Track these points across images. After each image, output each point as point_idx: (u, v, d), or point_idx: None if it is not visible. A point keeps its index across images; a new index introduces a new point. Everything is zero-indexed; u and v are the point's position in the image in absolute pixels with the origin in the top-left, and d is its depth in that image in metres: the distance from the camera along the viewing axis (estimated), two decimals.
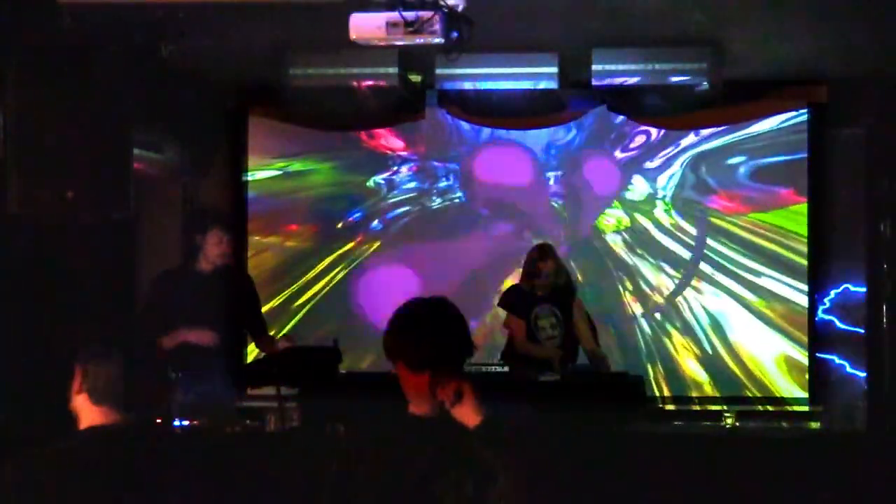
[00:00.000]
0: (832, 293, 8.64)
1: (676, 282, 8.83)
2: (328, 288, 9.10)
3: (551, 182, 8.98)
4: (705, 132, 8.77)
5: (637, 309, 8.86)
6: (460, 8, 5.98)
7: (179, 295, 6.73)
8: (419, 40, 5.98)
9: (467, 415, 3.00)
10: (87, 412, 3.59)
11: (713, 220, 8.81)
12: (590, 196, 8.94)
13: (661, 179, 8.86)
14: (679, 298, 8.82)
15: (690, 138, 8.81)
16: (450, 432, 3.02)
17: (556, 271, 7.19)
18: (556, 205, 8.98)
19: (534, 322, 7.24)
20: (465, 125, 8.92)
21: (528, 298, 7.24)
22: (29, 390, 6.69)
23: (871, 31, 7.05)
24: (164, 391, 6.24)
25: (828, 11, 6.79)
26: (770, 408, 8.59)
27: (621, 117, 8.67)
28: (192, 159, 8.69)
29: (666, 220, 8.85)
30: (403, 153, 9.10)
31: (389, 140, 9.09)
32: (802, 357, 8.67)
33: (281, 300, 9.02)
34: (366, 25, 5.94)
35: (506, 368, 6.93)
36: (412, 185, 9.09)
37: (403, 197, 9.10)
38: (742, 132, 8.72)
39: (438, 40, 6.00)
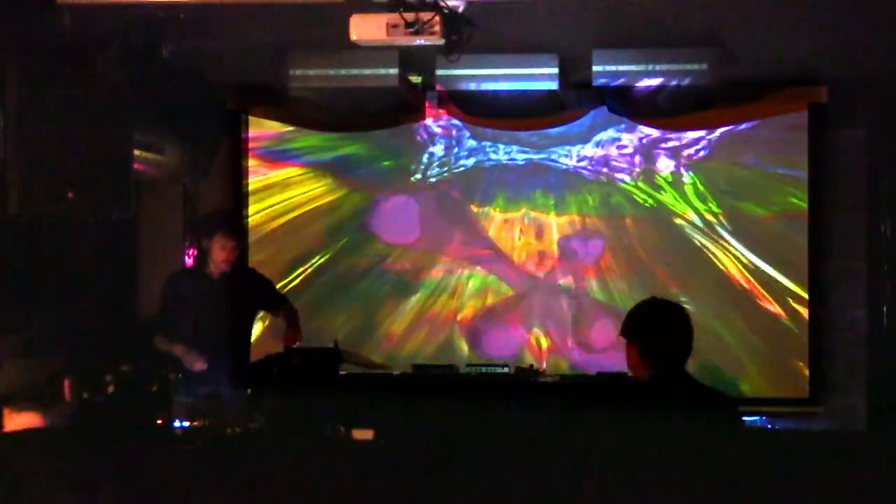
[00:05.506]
0: (832, 293, 8.64)
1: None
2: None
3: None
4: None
5: None
6: (461, 9, 5.99)
7: (189, 295, 6.89)
8: (419, 41, 5.99)
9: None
10: None
11: (714, 220, 8.81)
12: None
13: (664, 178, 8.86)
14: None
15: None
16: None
17: None
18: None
19: None
20: None
21: None
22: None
23: (871, 31, 7.05)
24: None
25: (828, 12, 6.79)
26: (770, 408, 8.57)
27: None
28: (192, 159, 8.68)
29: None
30: None
31: None
32: (802, 357, 8.66)
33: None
34: (366, 26, 5.95)
35: (506, 369, 6.99)
36: None
37: None
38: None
39: (439, 41, 6.01)
